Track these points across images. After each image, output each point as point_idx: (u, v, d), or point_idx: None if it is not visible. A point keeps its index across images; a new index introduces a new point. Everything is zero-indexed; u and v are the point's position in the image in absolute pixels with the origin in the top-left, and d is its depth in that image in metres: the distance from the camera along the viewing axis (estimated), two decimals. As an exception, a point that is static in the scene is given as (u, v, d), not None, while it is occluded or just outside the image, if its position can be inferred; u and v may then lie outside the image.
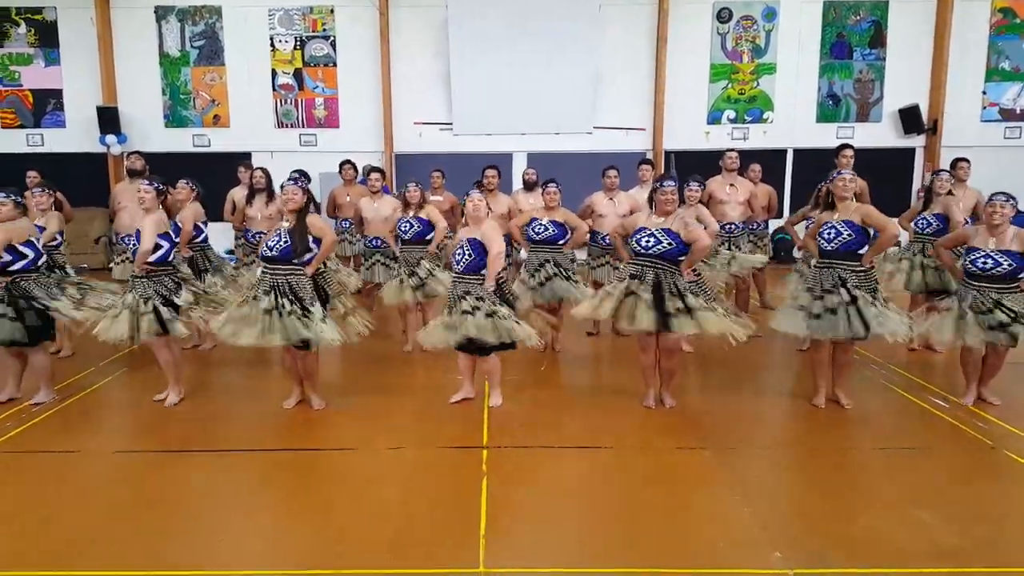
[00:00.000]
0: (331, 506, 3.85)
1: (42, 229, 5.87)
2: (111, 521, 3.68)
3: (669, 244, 4.83)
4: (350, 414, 5.18)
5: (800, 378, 5.88)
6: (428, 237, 6.44)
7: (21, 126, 12.22)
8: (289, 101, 12.19)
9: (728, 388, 5.68)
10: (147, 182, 5.12)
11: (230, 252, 8.12)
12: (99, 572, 3.20)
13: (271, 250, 4.83)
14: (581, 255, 6.91)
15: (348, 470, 4.32)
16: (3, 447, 4.59)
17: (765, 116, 12.16)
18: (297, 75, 12.12)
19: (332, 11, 11.93)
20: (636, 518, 3.69)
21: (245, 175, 7.31)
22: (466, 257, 4.96)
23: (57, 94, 12.16)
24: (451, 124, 12.06)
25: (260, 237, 6.67)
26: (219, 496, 4.05)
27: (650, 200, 5.09)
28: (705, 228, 5.48)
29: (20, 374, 5.36)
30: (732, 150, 7.23)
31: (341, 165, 7.70)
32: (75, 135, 12.14)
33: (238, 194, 7.35)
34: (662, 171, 11.43)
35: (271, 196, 6.95)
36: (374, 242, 6.89)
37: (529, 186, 7.45)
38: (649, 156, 11.38)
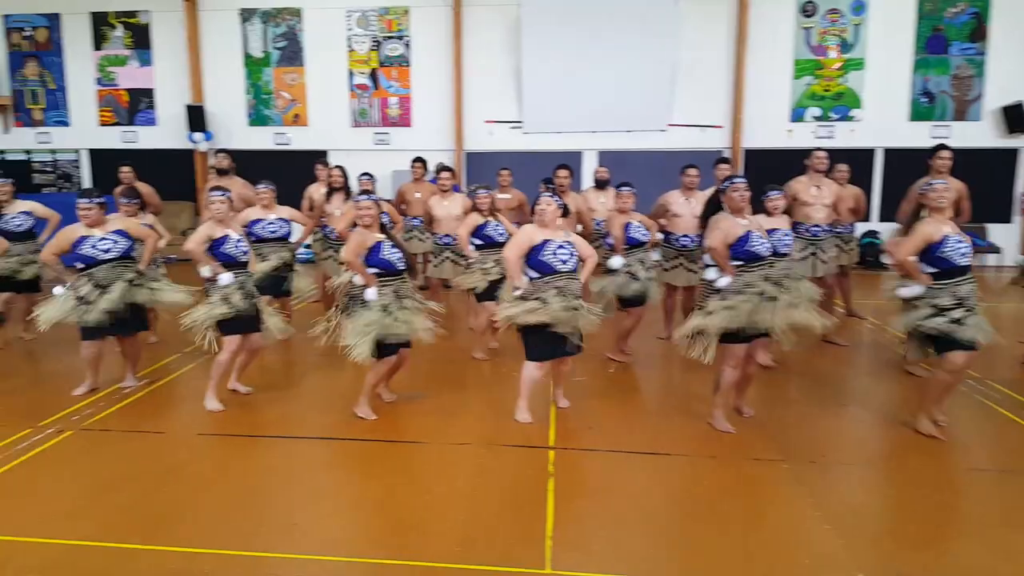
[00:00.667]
0: (399, 497, 3.89)
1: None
2: (195, 500, 3.84)
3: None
4: (419, 408, 5.22)
5: (888, 392, 5.60)
6: (504, 242, 6.40)
7: (117, 123, 12.81)
8: (364, 100, 12.40)
9: (810, 400, 5.45)
10: (219, 192, 5.19)
11: (307, 247, 8.29)
12: (185, 549, 3.32)
13: (398, 261, 4.88)
14: (653, 256, 6.72)
15: (416, 463, 4.35)
16: (97, 426, 4.83)
17: (852, 114, 11.68)
18: (372, 75, 12.32)
19: (407, 11, 12.07)
20: (709, 530, 3.56)
21: (323, 173, 7.45)
22: (574, 259, 4.78)
23: (149, 93, 12.70)
24: (521, 122, 12.03)
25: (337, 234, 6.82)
26: (294, 481, 4.14)
27: (711, 203, 4.79)
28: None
29: (98, 367, 5.55)
30: (820, 149, 6.79)
31: (412, 162, 7.76)
32: (165, 132, 12.65)
33: (315, 191, 7.49)
34: (741, 170, 11.15)
35: (348, 194, 7.07)
36: (444, 239, 6.90)
37: (601, 184, 7.34)
38: (726, 155, 11.08)
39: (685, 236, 6.49)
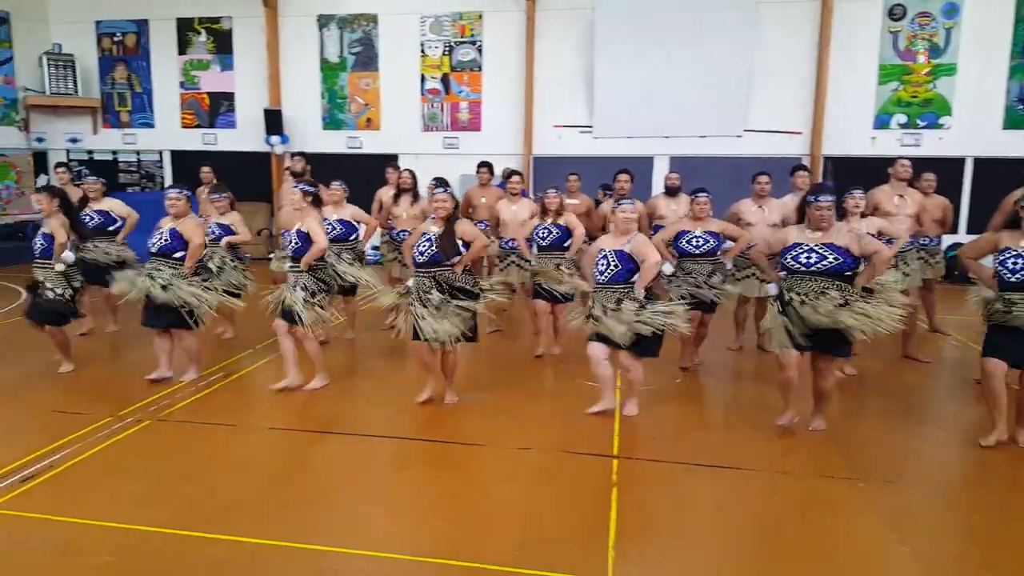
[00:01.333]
0: (459, 499, 3.90)
1: (224, 228, 6.55)
2: (263, 493, 3.92)
3: (835, 259, 4.44)
4: (481, 411, 5.21)
5: (970, 411, 5.32)
6: (566, 244, 6.35)
7: (198, 126, 13.28)
8: (435, 105, 12.52)
9: (888, 417, 5.21)
10: (300, 184, 5.42)
11: (375, 248, 8.40)
12: (251, 540, 3.38)
13: (422, 255, 5.01)
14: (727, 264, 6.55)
15: (477, 465, 4.35)
16: (173, 417, 4.99)
17: (941, 121, 11.17)
18: (444, 80, 12.43)
19: (480, 16, 12.14)
20: (778, 548, 3.44)
21: (393, 176, 7.55)
22: (611, 268, 4.82)
23: (230, 97, 13.12)
24: (591, 127, 11.94)
25: (404, 235, 6.89)
26: (357, 478, 4.19)
27: (800, 212, 4.73)
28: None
29: (171, 354, 5.76)
30: (904, 158, 6.52)
31: (478, 167, 7.79)
32: (244, 135, 13.05)
33: (385, 194, 7.58)
34: (820, 178, 10.80)
35: (416, 196, 7.14)
36: (510, 243, 6.89)
37: (671, 191, 7.18)
38: (805, 162, 10.76)
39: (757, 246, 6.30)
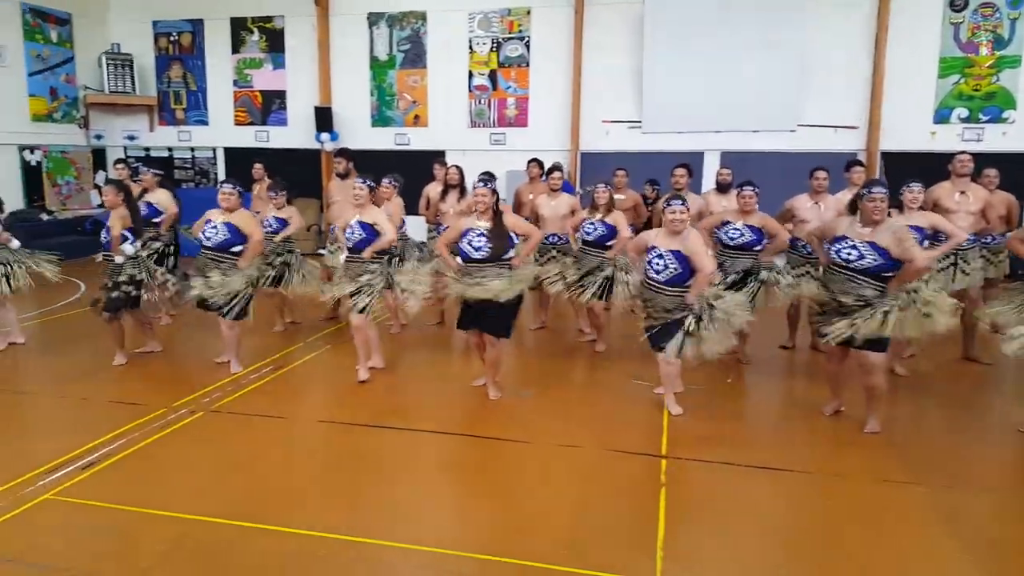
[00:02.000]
0: (506, 495, 3.89)
1: (281, 222, 6.78)
2: (314, 484, 3.99)
3: (874, 260, 4.37)
4: (527, 408, 5.20)
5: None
6: (609, 243, 6.29)
7: (251, 123, 13.53)
8: (483, 101, 12.54)
9: (948, 420, 5.06)
10: (361, 179, 5.48)
11: (422, 244, 8.45)
12: (301, 531, 3.43)
13: (477, 251, 5.00)
14: (779, 262, 6.42)
15: (524, 462, 4.33)
16: (226, 408, 5.09)
17: (1005, 115, 10.75)
18: (491, 76, 12.43)
19: (529, 12, 12.11)
20: (832, 553, 3.35)
21: (440, 172, 7.57)
22: (669, 270, 4.74)
23: (281, 95, 13.33)
24: (640, 122, 11.82)
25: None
26: (407, 472, 4.22)
27: (852, 206, 4.64)
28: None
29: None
30: (964, 153, 6.32)
31: (528, 163, 7.76)
32: (295, 132, 13.25)
33: (432, 190, 7.61)
34: (876, 174, 10.51)
35: (463, 192, 7.15)
36: (550, 238, 6.85)
37: (723, 187, 7.05)
38: (861, 157, 10.46)
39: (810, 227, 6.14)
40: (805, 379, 6.24)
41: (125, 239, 5.84)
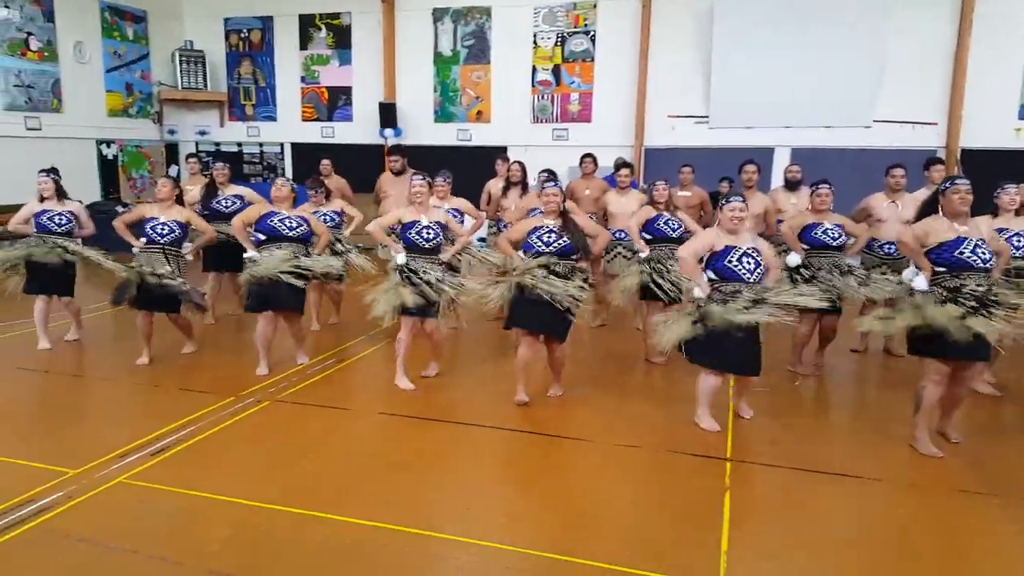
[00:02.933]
0: (566, 494, 3.84)
1: (338, 213, 6.99)
2: (373, 475, 4.01)
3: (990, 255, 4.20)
4: (587, 406, 5.14)
5: None
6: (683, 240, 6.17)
7: (317, 119, 13.77)
8: (546, 97, 12.48)
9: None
10: (420, 176, 5.46)
11: (482, 240, 8.45)
12: (362, 521, 3.46)
13: (548, 247, 4.93)
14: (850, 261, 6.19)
15: (583, 461, 4.28)
16: (291, 398, 5.19)
17: (1094, 111, 10.18)
18: (555, 71, 12.36)
19: (595, 6, 11.99)
20: (903, 566, 3.21)
21: (502, 168, 7.54)
22: (760, 268, 4.55)
23: (347, 91, 13.53)
24: (707, 117, 11.58)
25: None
26: (466, 467, 4.22)
27: (932, 204, 4.38)
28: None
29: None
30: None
31: (582, 158, 7.68)
32: (360, 128, 13.43)
33: (494, 186, 7.59)
34: (956, 171, 10.08)
35: (525, 189, 7.10)
36: (617, 234, 6.76)
37: (792, 185, 6.84)
38: (940, 154, 10.04)
39: (890, 243, 5.89)
40: (876, 383, 6.02)
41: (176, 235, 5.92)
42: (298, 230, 5.68)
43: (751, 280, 4.48)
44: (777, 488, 3.96)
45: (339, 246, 6.73)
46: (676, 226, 6.02)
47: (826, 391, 5.70)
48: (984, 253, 4.14)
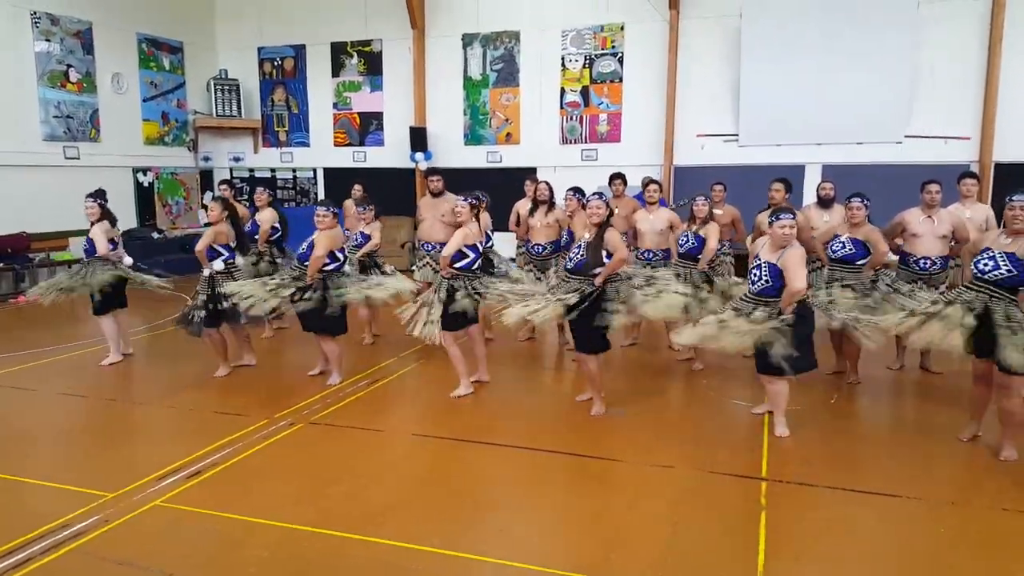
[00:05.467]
0: (601, 514, 3.81)
1: (366, 237, 7.07)
2: (407, 497, 4.01)
3: (1008, 271, 4.17)
4: (620, 426, 5.10)
5: None
6: (698, 256, 6.18)
7: (349, 144, 13.98)
8: (575, 118, 12.53)
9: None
10: (463, 199, 5.57)
11: (511, 260, 8.49)
12: (397, 543, 3.47)
13: (570, 262, 5.17)
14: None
15: (618, 481, 4.25)
16: (323, 420, 5.23)
17: None
18: (584, 92, 12.42)
19: (622, 27, 12.05)
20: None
21: (530, 188, 7.57)
22: (762, 281, 4.65)
23: (379, 116, 13.73)
24: (737, 135, 11.53)
25: (539, 249, 6.94)
26: (501, 488, 4.23)
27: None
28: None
29: (324, 355, 6.17)
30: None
31: (611, 179, 7.69)
32: (391, 152, 13.60)
33: (523, 206, 7.62)
34: (991, 186, 9.90)
35: (551, 207, 7.11)
36: (646, 254, 6.75)
37: (825, 202, 6.76)
38: (973, 168, 9.87)
39: (925, 259, 5.79)
40: (914, 400, 5.91)
41: (217, 255, 6.09)
42: (303, 252, 5.87)
43: (752, 290, 4.71)
44: (814, 508, 3.89)
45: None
46: (683, 241, 6.34)
47: (863, 408, 5.60)
48: (986, 265, 4.28)
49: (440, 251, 6.96)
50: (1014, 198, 4.24)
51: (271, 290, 5.76)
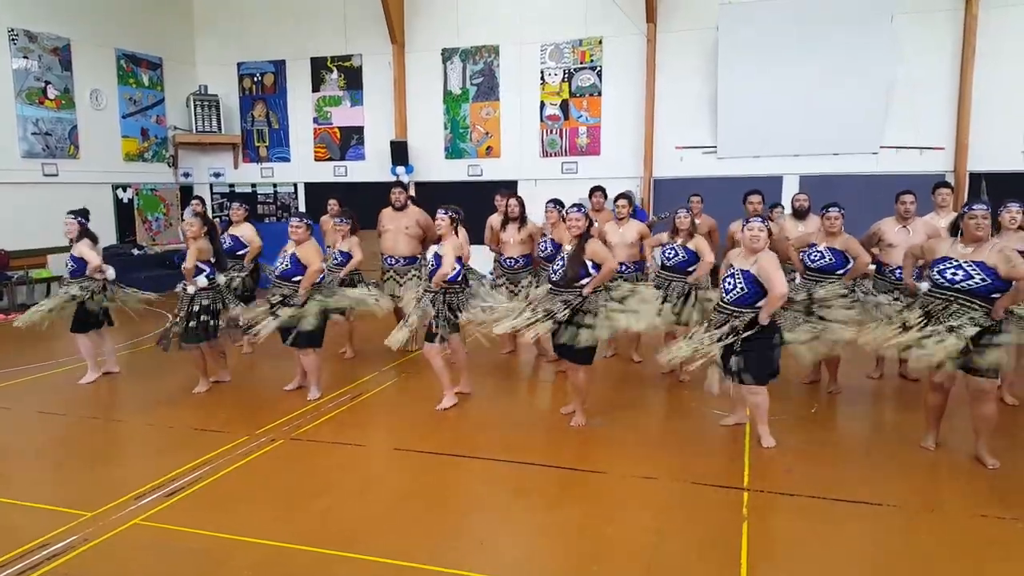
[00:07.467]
0: (583, 527, 3.81)
1: (345, 255, 7.01)
2: (388, 512, 3.99)
3: (982, 280, 4.22)
4: (603, 438, 5.11)
5: None
6: (690, 268, 6.21)
7: (329, 159, 13.96)
8: (554, 131, 12.61)
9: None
10: (444, 211, 5.60)
11: (490, 274, 8.50)
12: (380, 559, 3.45)
13: (554, 274, 5.19)
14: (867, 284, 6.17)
15: (601, 494, 4.25)
16: (305, 436, 5.20)
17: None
18: (563, 106, 12.50)
19: (601, 41, 12.16)
20: (930, 594, 3.15)
21: (501, 203, 7.56)
22: (737, 290, 4.67)
23: (359, 131, 13.72)
24: (715, 147, 11.66)
25: (511, 262, 6.95)
26: (482, 502, 4.22)
27: (954, 226, 4.53)
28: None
29: (301, 370, 6.19)
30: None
31: (591, 192, 7.72)
32: (371, 166, 13.59)
33: (495, 220, 7.61)
34: (965, 196, 10.05)
35: (523, 223, 7.10)
36: (619, 267, 6.76)
37: (800, 214, 6.84)
38: (948, 178, 10.04)
39: (901, 268, 5.89)
40: (893, 409, 5.97)
41: (200, 271, 6.06)
42: (281, 268, 5.91)
43: (725, 299, 4.75)
44: (796, 517, 3.91)
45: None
46: (671, 254, 6.33)
47: (843, 417, 5.64)
48: (955, 275, 4.30)
49: (403, 264, 7.06)
50: (975, 207, 4.31)
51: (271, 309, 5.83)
